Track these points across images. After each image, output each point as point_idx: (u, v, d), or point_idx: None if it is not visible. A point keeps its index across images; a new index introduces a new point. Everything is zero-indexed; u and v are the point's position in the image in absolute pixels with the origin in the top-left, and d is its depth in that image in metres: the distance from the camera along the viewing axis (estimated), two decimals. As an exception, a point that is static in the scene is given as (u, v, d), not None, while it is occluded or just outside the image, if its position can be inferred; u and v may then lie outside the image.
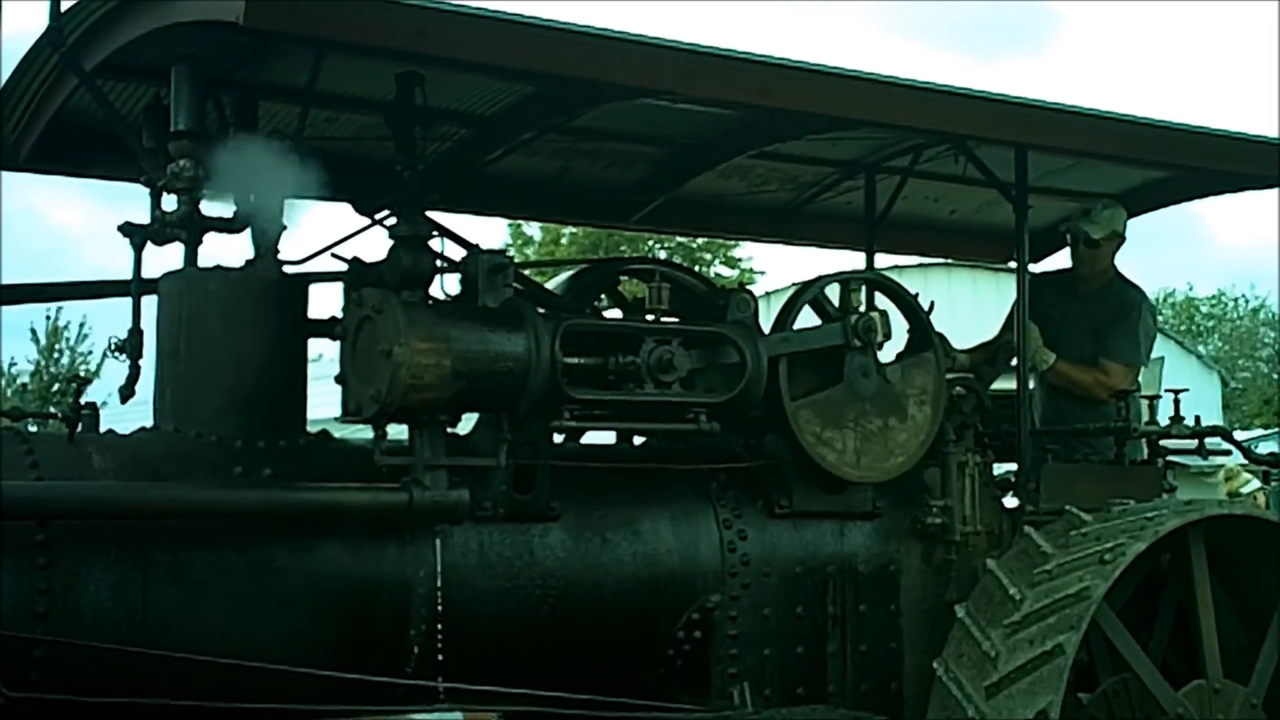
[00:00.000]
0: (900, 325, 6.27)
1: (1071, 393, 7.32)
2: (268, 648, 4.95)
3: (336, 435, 5.57)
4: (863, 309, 6.06)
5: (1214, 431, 6.95)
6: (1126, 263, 7.55)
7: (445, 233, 5.65)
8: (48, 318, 25.45)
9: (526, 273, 6.47)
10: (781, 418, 5.86)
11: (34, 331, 25.46)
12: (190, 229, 5.46)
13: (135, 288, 5.77)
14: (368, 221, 6.00)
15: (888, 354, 6.21)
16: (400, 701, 5.39)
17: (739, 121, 6.55)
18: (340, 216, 6.19)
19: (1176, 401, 6.98)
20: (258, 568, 5.04)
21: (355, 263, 5.54)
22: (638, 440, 6.60)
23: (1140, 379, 7.52)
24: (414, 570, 5.25)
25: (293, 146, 5.37)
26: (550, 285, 6.83)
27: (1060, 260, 7.86)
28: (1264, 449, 7.64)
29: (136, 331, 5.77)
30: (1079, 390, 7.28)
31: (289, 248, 5.59)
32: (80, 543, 4.78)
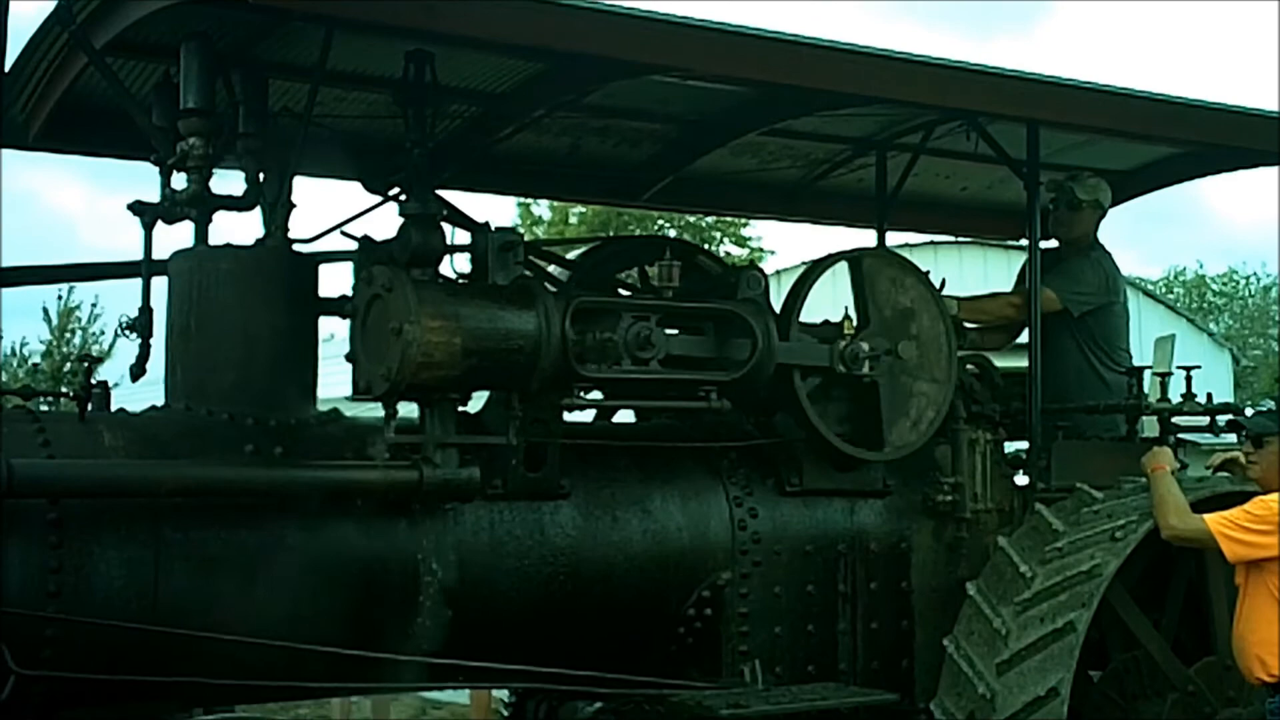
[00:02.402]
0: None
1: (1060, 367, 7.17)
2: (278, 625, 4.96)
3: (347, 415, 5.57)
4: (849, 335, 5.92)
5: (1225, 409, 6.93)
6: (1129, 239, 7.50)
7: (454, 214, 5.64)
8: (59, 298, 25.41)
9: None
10: (792, 396, 5.84)
11: (46, 311, 25.41)
12: (200, 207, 5.45)
13: (146, 267, 5.77)
14: (378, 199, 5.99)
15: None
16: (411, 679, 5.41)
17: (749, 98, 6.53)
18: (350, 194, 6.19)
19: (1188, 379, 6.97)
20: (269, 546, 5.05)
21: (365, 241, 5.53)
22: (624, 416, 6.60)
23: (1150, 358, 7.47)
24: (425, 548, 5.26)
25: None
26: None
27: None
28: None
29: (147, 310, 5.77)
30: (989, 320, 7.10)
31: (299, 226, 5.60)
32: (92, 521, 4.79)
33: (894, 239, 7.86)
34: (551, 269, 6.54)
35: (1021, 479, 6.65)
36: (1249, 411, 6.80)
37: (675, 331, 5.62)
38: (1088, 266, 7.21)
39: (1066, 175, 7.33)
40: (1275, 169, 7.32)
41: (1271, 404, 6.06)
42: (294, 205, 5.56)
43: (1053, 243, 7.74)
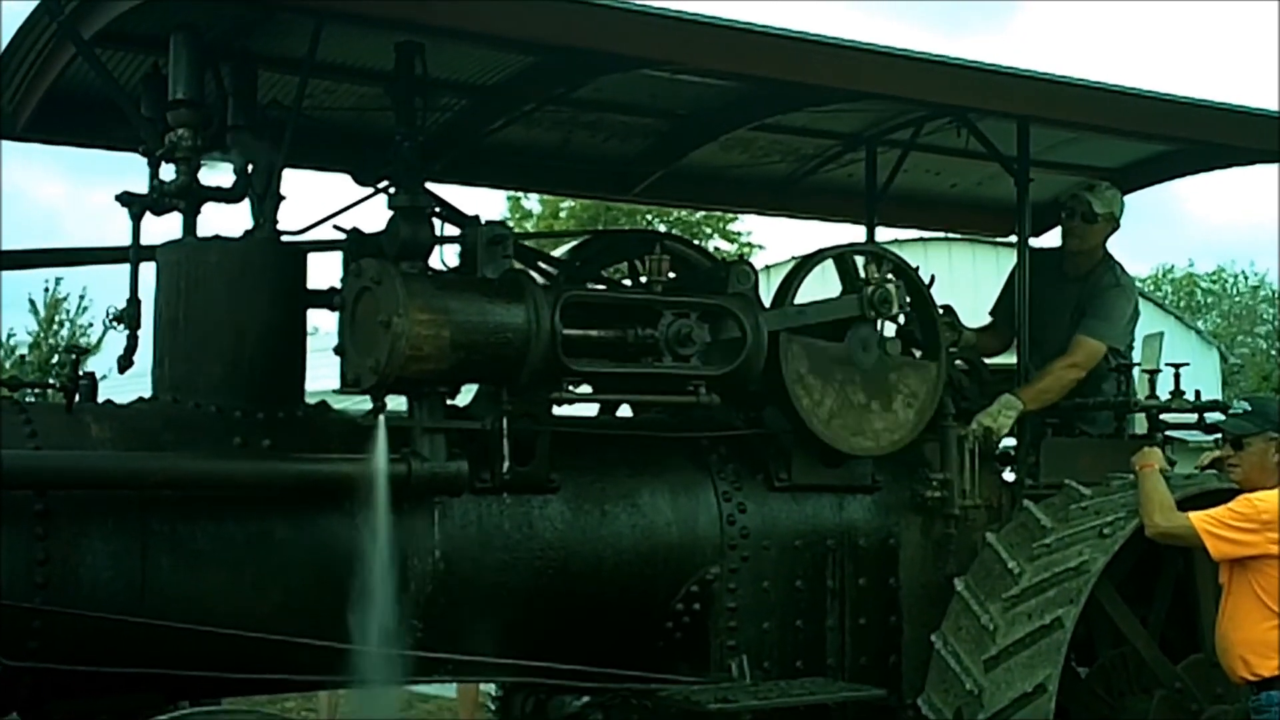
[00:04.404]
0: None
1: None
2: (266, 618, 4.96)
3: (335, 408, 5.56)
4: (881, 281, 5.98)
5: (1213, 406, 6.94)
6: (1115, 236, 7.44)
7: (444, 207, 5.63)
8: (46, 289, 25.32)
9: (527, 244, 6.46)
10: (781, 390, 5.84)
11: (33, 303, 25.30)
12: (189, 199, 5.44)
13: (134, 258, 5.75)
14: (367, 192, 5.97)
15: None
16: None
17: (740, 93, 6.52)
18: (340, 187, 6.17)
19: (1177, 376, 6.98)
20: (256, 539, 5.04)
21: (354, 233, 5.52)
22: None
23: (1138, 355, 7.48)
24: (413, 542, 5.25)
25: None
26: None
27: (1052, 238, 7.77)
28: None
29: (135, 302, 5.75)
30: (1060, 395, 6.79)
31: (288, 218, 5.58)
32: (79, 513, 4.78)
33: (883, 235, 7.85)
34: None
35: (1010, 475, 6.66)
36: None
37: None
38: (1121, 298, 7.11)
39: (1083, 185, 7.29)
40: (1255, 167, 7.35)
41: (1247, 404, 6.06)
42: (283, 197, 5.53)
43: (1041, 240, 7.76)
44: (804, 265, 6.06)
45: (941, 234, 15.32)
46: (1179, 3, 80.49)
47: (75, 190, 64.68)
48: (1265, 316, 48.47)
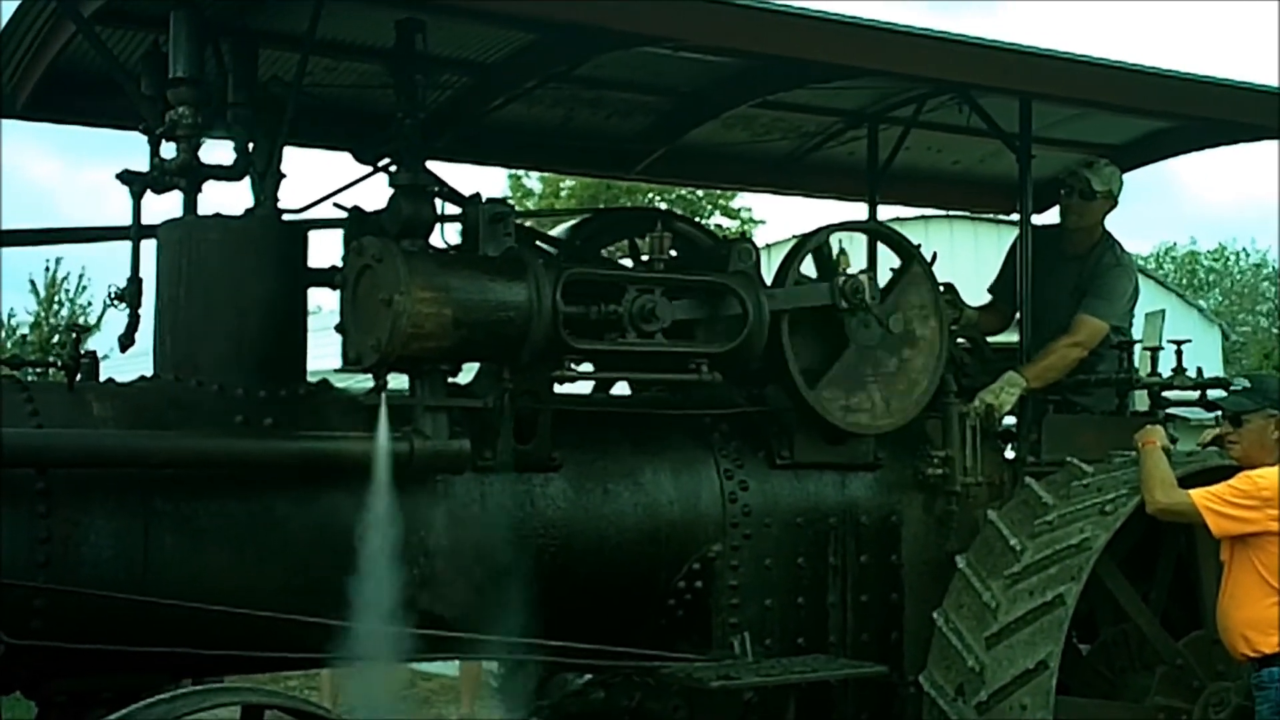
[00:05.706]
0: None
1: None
2: (268, 597, 4.96)
3: (337, 386, 5.55)
4: (850, 271, 6.00)
5: (1215, 383, 6.94)
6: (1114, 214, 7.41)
7: (444, 187, 5.61)
8: (46, 269, 25.30)
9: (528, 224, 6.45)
10: (783, 368, 5.84)
11: (33, 283, 25.28)
12: (189, 177, 5.42)
13: (134, 236, 5.74)
14: (368, 170, 5.96)
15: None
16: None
17: (741, 70, 6.51)
18: (341, 165, 6.16)
19: (1178, 353, 6.97)
20: (258, 517, 5.04)
21: (355, 212, 5.51)
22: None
23: (1139, 332, 7.47)
24: (415, 520, 5.24)
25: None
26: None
27: (1050, 216, 7.75)
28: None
29: (136, 280, 5.74)
30: (1062, 374, 6.78)
31: (289, 196, 5.57)
32: (81, 491, 4.78)
33: (885, 213, 7.84)
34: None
35: (1012, 453, 6.66)
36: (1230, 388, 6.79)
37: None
38: (1122, 277, 7.11)
39: (1082, 162, 7.29)
40: (1257, 144, 7.33)
41: (1247, 382, 6.09)
42: (284, 175, 5.52)
43: (1043, 218, 7.74)
44: (805, 243, 6.05)
45: (943, 211, 15.26)
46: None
47: (69, 169, 64.71)
48: (1267, 294, 48.49)
